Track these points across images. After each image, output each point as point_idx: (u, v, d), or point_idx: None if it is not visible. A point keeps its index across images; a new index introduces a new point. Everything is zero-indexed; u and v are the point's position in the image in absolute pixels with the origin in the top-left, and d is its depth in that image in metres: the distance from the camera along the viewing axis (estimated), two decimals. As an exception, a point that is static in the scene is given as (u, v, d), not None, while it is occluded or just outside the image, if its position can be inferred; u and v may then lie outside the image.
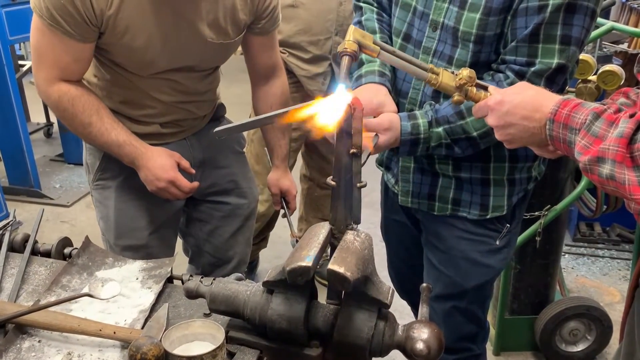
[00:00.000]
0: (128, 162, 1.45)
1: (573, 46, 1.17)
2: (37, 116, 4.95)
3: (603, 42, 3.10)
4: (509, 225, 1.44)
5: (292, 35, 2.35)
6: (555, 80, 1.20)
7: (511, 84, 1.18)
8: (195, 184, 1.52)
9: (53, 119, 4.69)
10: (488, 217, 1.41)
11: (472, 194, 1.40)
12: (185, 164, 1.49)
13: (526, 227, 2.11)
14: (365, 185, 0.96)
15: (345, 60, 1.08)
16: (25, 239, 1.32)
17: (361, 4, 1.47)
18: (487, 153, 1.35)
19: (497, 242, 1.45)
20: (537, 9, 1.15)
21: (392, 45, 1.40)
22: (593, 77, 2.04)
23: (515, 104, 0.99)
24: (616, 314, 2.68)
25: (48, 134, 4.93)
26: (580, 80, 2.07)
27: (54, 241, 1.32)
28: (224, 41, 1.47)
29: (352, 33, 1.09)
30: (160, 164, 1.43)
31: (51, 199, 3.80)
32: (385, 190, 1.64)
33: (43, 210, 1.41)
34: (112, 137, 1.40)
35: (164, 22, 1.35)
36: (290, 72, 2.34)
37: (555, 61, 1.17)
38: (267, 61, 1.68)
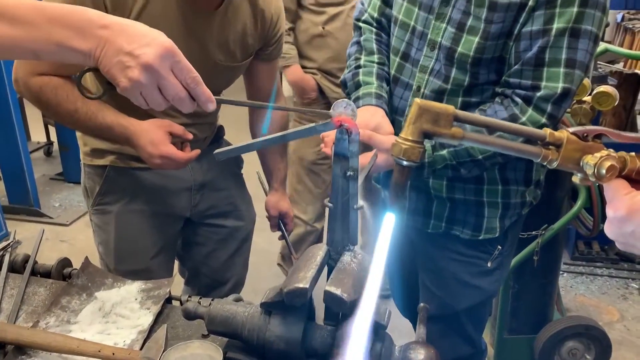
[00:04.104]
0: (123, 144, 1.41)
1: (578, 70, 1.18)
2: (37, 135, 4.98)
3: (598, 62, 3.14)
4: (500, 248, 1.45)
5: (324, 62, 2.59)
6: (562, 105, 1.20)
7: (520, 110, 1.20)
8: (193, 153, 1.43)
9: (53, 137, 4.72)
10: (480, 238, 1.42)
11: (467, 213, 1.41)
12: (178, 129, 1.40)
13: (524, 246, 2.12)
14: (362, 207, 0.97)
15: (395, 175, 0.80)
16: (26, 260, 1.33)
17: (360, 24, 1.49)
18: (480, 175, 1.36)
19: (489, 264, 1.45)
20: (541, 33, 1.17)
21: (389, 64, 1.42)
22: (588, 98, 2.07)
23: None
24: (615, 333, 2.67)
25: (48, 153, 4.96)
26: (575, 101, 2.09)
27: (53, 261, 1.32)
28: (232, 64, 1.50)
29: (415, 117, 0.75)
30: (149, 141, 1.36)
31: (50, 217, 3.81)
32: (384, 208, 1.66)
33: (43, 231, 1.42)
34: (99, 120, 1.36)
35: (176, 40, 1.36)
36: (322, 94, 2.62)
37: (560, 85, 1.17)
38: (269, 87, 1.70)
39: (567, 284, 3.11)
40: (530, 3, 1.17)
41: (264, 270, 2.90)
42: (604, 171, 0.71)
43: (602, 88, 2.03)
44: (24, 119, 4.44)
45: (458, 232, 1.43)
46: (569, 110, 2.09)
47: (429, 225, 1.45)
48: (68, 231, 3.69)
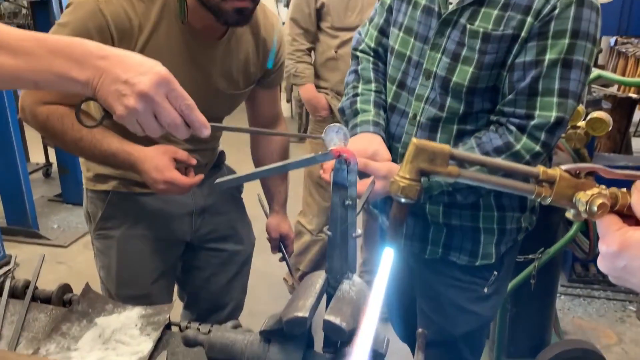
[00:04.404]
0: (128, 170, 1.43)
1: (571, 99, 1.21)
2: (37, 156, 5.00)
3: (592, 86, 3.19)
4: (496, 273, 1.46)
5: (335, 84, 2.71)
6: (555, 133, 1.23)
7: (514, 138, 1.23)
8: (197, 178, 1.44)
9: (52, 159, 4.74)
10: (477, 264, 1.44)
11: (463, 239, 1.43)
12: (182, 155, 1.41)
13: (521, 270, 2.13)
14: (360, 236, 0.99)
15: (394, 211, 0.82)
16: (26, 286, 1.34)
17: (357, 54, 1.53)
18: (476, 201, 1.38)
19: (485, 290, 1.47)
20: (534, 63, 1.20)
21: (385, 92, 1.45)
22: (582, 123, 2.10)
23: (637, 266, 0.73)
24: (613, 357, 2.67)
25: (47, 174, 4.97)
26: (569, 127, 2.12)
27: (51, 282, 1.33)
28: (234, 92, 1.53)
29: (412, 157, 0.77)
30: (154, 166, 1.37)
31: (49, 239, 3.80)
32: (382, 235, 1.68)
33: (44, 256, 1.42)
34: (104, 147, 1.38)
35: (179, 69, 1.38)
36: (333, 113, 2.74)
37: (554, 114, 1.20)
38: (271, 112, 1.74)
39: (565, 306, 3.11)
40: (522, 35, 1.20)
41: (261, 293, 2.90)
42: (595, 208, 0.73)
43: (596, 114, 2.06)
44: (24, 140, 4.46)
45: (455, 257, 1.45)
46: (563, 135, 2.13)
47: (426, 251, 1.47)
48: (66, 253, 3.68)
